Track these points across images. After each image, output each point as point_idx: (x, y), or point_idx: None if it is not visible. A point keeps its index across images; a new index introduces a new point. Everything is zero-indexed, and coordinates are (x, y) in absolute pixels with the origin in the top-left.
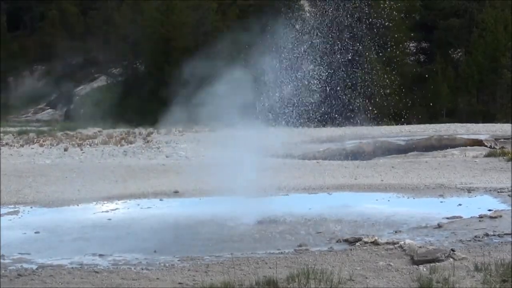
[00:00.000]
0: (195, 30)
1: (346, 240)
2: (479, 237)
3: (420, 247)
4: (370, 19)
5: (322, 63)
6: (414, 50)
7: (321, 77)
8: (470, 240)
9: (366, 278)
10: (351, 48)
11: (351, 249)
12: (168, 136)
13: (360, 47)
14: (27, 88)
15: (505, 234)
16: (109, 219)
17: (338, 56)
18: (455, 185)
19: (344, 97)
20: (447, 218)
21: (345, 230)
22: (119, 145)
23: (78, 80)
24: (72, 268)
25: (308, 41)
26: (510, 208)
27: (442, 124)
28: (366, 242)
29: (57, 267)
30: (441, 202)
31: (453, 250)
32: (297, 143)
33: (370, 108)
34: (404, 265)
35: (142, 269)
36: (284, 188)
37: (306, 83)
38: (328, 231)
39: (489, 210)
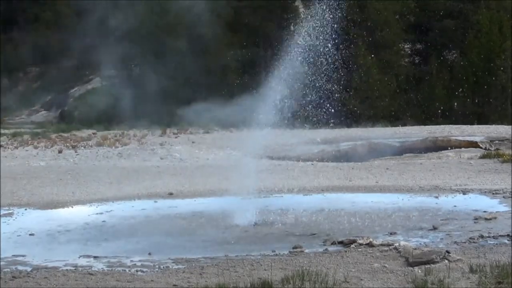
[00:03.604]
0: (190, 32)
1: (341, 242)
2: (474, 238)
3: (415, 248)
4: (365, 21)
5: (316, 64)
6: (409, 52)
7: (315, 78)
8: (465, 242)
9: (361, 280)
10: (346, 49)
11: (345, 251)
12: (162, 138)
13: (355, 48)
14: (21, 90)
15: (500, 235)
16: (104, 221)
17: (333, 58)
18: (450, 187)
19: (339, 99)
20: (442, 219)
21: (339, 231)
22: (113, 147)
23: (72, 82)
24: (67, 270)
25: (303, 42)
26: (505, 210)
27: (437, 126)
28: (361, 244)
29: (52, 269)
30: (436, 203)
31: (448, 252)
32: (292, 145)
33: (365, 109)
34: (399, 267)
35: (136, 271)
36: (278, 190)
37: (301, 84)
38: (322, 233)
39: (484, 211)
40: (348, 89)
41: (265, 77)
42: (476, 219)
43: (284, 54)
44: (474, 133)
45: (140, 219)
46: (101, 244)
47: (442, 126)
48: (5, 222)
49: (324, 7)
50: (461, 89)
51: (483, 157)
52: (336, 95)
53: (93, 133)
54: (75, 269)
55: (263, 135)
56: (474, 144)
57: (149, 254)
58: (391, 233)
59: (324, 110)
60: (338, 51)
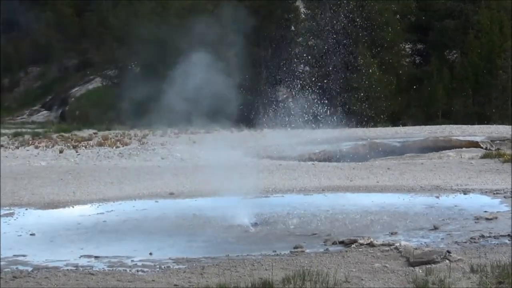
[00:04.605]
0: (190, 32)
1: (341, 242)
2: (475, 238)
3: (416, 248)
4: (365, 21)
5: (318, 64)
6: (410, 52)
7: (317, 78)
8: (466, 242)
9: (362, 280)
10: (346, 49)
11: (346, 251)
12: (163, 138)
13: (356, 48)
14: (22, 89)
15: (501, 235)
16: (104, 221)
17: (334, 58)
18: (450, 187)
19: (339, 99)
20: (443, 219)
21: (340, 231)
22: (114, 147)
23: (73, 82)
24: (68, 270)
25: (304, 42)
26: (505, 210)
27: (438, 126)
28: (361, 244)
29: (53, 269)
30: (437, 203)
31: (449, 252)
32: (293, 145)
33: (366, 109)
34: (400, 267)
35: (137, 271)
36: (279, 190)
37: (302, 84)
38: (323, 233)
39: (485, 211)
40: (348, 89)
41: (265, 77)
42: (477, 219)
43: (285, 54)
44: (474, 133)
45: (141, 219)
46: (102, 244)
47: (442, 126)
48: (5, 222)
49: (325, 8)
50: (461, 89)
51: (484, 157)
52: (337, 94)
53: (94, 133)
54: (76, 269)
55: (264, 136)
56: (475, 144)
57: (150, 254)
58: (392, 233)
59: (325, 110)
60: (339, 51)
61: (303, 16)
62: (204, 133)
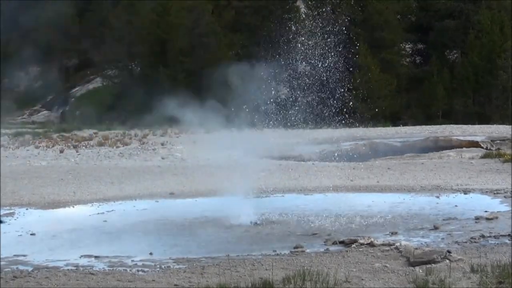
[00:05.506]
0: (191, 32)
1: (342, 242)
2: (475, 238)
3: (416, 248)
4: (366, 21)
5: (318, 64)
6: (410, 52)
7: (317, 78)
8: (466, 242)
9: (362, 279)
10: (346, 49)
11: (347, 251)
12: (163, 138)
13: (356, 48)
14: (22, 89)
15: (501, 235)
16: (105, 221)
17: (334, 58)
18: (451, 187)
19: (340, 99)
20: (443, 219)
21: (341, 231)
22: (114, 147)
23: (74, 82)
24: (68, 270)
25: (304, 42)
26: (506, 210)
27: (438, 126)
28: (362, 244)
29: (53, 268)
30: (437, 203)
31: (449, 252)
32: (293, 145)
33: (366, 109)
34: (400, 267)
35: (137, 271)
36: (280, 190)
37: (302, 84)
38: (324, 233)
39: (485, 211)
40: (348, 89)
41: (265, 77)
42: (477, 219)
43: (285, 54)
44: (475, 133)
45: (141, 219)
46: (102, 244)
47: (443, 126)
48: (6, 221)
49: (325, 7)
50: (462, 89)
51: (484, 157)
52: (337, 94)
53: (94, 133)
54: (76, 269)
55: (264, 135)
56: (475, 144)
57: (150, 254)
58: (392, 233)
59: (325, 110)
60: (339, 51)
61: (303, 16)
62: (204, 133)
